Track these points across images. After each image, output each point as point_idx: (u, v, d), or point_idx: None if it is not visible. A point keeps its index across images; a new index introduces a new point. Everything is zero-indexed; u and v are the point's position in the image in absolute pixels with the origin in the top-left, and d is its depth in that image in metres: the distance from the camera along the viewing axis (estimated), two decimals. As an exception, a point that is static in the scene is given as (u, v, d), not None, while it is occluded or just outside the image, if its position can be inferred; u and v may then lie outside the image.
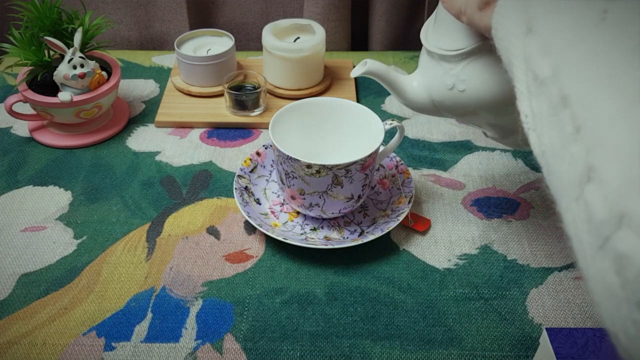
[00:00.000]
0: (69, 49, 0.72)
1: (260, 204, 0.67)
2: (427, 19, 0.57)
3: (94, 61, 0.75)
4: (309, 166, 0.57)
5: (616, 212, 0.25)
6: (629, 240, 0.24)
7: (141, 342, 0.54)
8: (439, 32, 0.52)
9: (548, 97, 0.33)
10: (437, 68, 0.53)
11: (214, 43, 0.87)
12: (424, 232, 0.65)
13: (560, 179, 0.31)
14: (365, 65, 0.56)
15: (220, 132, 0.80)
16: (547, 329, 0.48)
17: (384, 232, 0.62)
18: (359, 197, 0.62)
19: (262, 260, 0.62)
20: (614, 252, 0.25)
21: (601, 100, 0.28)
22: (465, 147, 0.77)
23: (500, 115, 0.53)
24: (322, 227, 0.65)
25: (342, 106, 0.65)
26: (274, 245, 0.64)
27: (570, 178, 0.30)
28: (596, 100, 0.29)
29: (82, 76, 0.72)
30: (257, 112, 0.81)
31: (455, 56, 0.51)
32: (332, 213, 0.63)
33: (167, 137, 0.79)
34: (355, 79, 0.90)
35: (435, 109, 0.56)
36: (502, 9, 0.41)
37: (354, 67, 0.93)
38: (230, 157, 0.76)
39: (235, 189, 0.66)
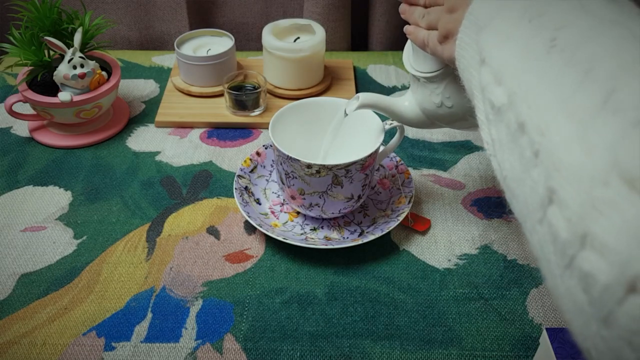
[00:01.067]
0: (69, 49, 0.72)
1: (260, 204, 0.67)
2: None
3: (94, 61, 0.75)
4: (309, 166, 0.57)
5: (579, 232, 0.26)
6: (593, 260, 0.25)
7: (141, 342, 0.54)
8: (418, 57, 0.56)
9: (506, 124, 0.33)
10: (424, 89, 0.56)
11: (214, 43, 0.87)
12: (424, 232, 0.65)
13: (524, 202, 0.32)
14: (358, 99, 0.59)
15: (220, 132, 0.80)
16: (547, 329, 0.48)
17: (384, 232, 0.62)
18: (359, 197, 0.62)
19: (262, 260, 0.62)
20: (579, 271, 0.26)
21: (556, 125, 0.29)
22: (465, 147, 0.77)
23: None
24: (322, 227, 0.65)
25: (342, 106, 0.65)
26: (274, 245, 0.64)
27: (532, 201, 0.30)
28: (551, 125, 0.29)
29: (82, 76, 0.72)
30: (257, 112, 0.81)
31: (435, 77, 0.54)
32: (332, 213, 0.63)
33: (167, 137, 0.79)
34: (355, 78, 0.90)
35: (430, 122, 0.59)
36: (461, 42, 0.42)
37: (354, 67, 0.93)
38: (230, 157, 0.76)
39: (235, 189, 0.66)
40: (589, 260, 0.25)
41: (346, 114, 0.60)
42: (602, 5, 0.33)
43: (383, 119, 0.63)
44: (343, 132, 0.65)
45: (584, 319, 0.26)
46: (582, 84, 0.28)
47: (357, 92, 0.87)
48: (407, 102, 0.59)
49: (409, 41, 0.58)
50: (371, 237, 0.61)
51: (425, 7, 0.52)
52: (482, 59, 0.37)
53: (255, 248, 0.64)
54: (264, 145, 0.72)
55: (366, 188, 0.63)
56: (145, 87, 0.89)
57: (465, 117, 0.55)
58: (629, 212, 0.24)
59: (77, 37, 0.73)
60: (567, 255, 0.27)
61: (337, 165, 0.57)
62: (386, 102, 0.59)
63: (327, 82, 0.87)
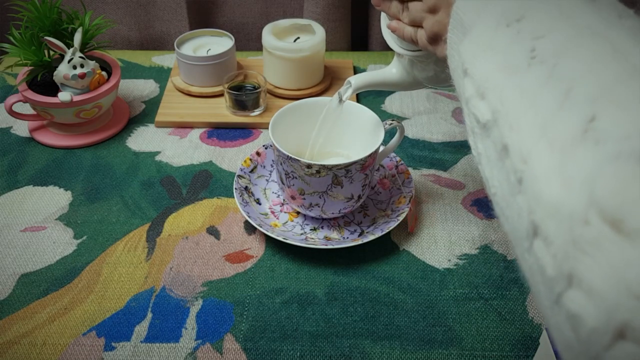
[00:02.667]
0: (69, 49, 0.72)
1: (260, 204, 0.67)
2: None
3: (94, 61, 0.75)
4: (309, 166, 0.57)
5: (564, 271, 0.25)
6: (579, 301, 0.24)
7: (141, 342, 0.54)
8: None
9: (492, 141, 0.33)
10: (414, 64, 0.55)
11: (214, 43, 0.87)
12: (414, 232, 0.65)
13: (512, 226, 0.31)
14: (350, 84, 0.58)
15: (220, 132, 0.80)
16: (547, 329, 0.48)
17: (384, 232, 0.62)
18: (359, 197, 0.62)
19: (262, 260, 0.62)
20: (566, 310, 0.25)
21: (537, 153, 0.28)
22: (465, 147, 0.77)
23: None
24: (322, 227, 0.65)
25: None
26: (274, 245, 0.64)
27: (520, 227, 0.30)
28: (532, 153, 0.28)
29: (82, 76, 0.72)
30: (257, 112, 0.81)
31: (424, 55, 0.53)
32: (332, 213, 0.63)
33: (167, 137, 0.79)
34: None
35: (421, 84, 0.58)
36: (448, 48, 0.41)
37: (354, 67, 0.93)
38: (230, 157, 0.76)
39: (235, 189, 0.66)
40: (576, 301, 0.24)
41: (343, 101, 0.59)
42: (580, 9, 0.32)
43: (383, 118, 0.63)
44: (343, 131, 0.65)
45: (573, 354, 0.25)
46: (562, 106, 0.28)
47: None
48: (394, 70, 0.58)
49: (383, 15, 0.57)
50: (371, 237, 0.61)
51: (401, 1, 0.51)
52: (464, 70, 0.37)
53: (255, 248, 0.64)
54: (264, 145, 0.72)
55: (366, 188, 0.63)
56: (145, 87, 0.89)
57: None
58: (615, 256, 0.23)
59: (77, 37, 0.73)
60: (555, 292, 0.26)
61: (337, 165, 0.57)
62: (377, 78, 0.58)
63: (327, 82, 0.87)
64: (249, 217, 0.62)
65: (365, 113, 0.64)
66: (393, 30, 0.53)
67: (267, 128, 0.61)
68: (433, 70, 0.54)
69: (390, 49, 0.57)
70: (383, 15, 0.57)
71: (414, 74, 0.56)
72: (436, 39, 0.47)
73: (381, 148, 0.65)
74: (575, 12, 0.32)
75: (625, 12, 0.31)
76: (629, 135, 0.24)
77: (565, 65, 0.29)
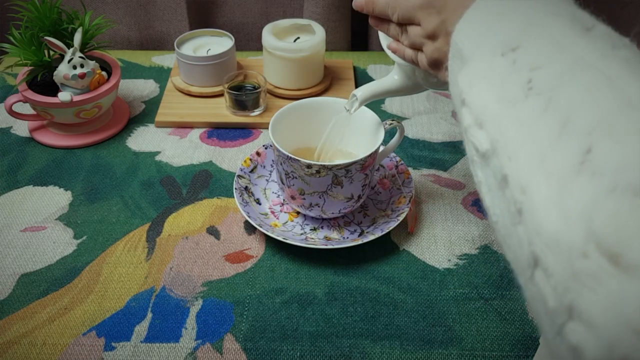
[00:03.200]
0: (69, 49, 0.72)
1: (260, 204, 0.67)
2: None
3: (94, 61, 0.75)
4: (309, 166, 0.57)
5: (565, 303, 0.25)
6: (581, 334, 0.24)
7: (141, 342, 0.54)
8: None
9: (492, 170, 0.33)
10: (413, 72, 0.56)
11: (214, 43, 0.87)
12: (414, 232, 0.65)
13: (514, 254, 0.31)
14: (356, 97, 0.58)
15: (220, 132, 0.80)
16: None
17: (384, 232, 0.62)
18: (359, 197, 0.62)
19: (262, 260, 0.62)
20: (568, 341, 0.25)
21: (536, 184, 0.28)
22: (465, 147, 0.77)
23: None
24: (322, 227, 0.65)
25: (342, 106, 0.65)
26: (274, 245, 0.64)
27: (521, 257, 0.30)
28: (531, 184, 0.29)
29: (82, 76, 0.72)
30: (257, 112, 0.81)
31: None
32: (332, 213, 0.63)
33: (167, 137, 0.79)
34: (355, 77, 0.90)
35: (422, 87, 0.58)
36: (449, 75, 0.41)
37: (354, 67, 0.93)
38: (230, 157, 0.76)
39: (235, 189, 0.66)
40: (577, 333, 0.24)
41: (351, 113, 0.60)
42: (574, 40, 0.32)
43: (383, 118, 0.63)
44: (343, 132, 0.65)
45: None
46: (559, 137, 0.28)
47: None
48: (396, 76, 0.58)
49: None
50: (371, 237, 0.61)
51: (399, 24, 0.51)
52: (462, 100, 0.37)
53: (255, 248, 0.64)
54: (264, 145, 0.72)
55: (366, 188, 0.63)
56: (145, 87, 0.89)
57: None
58: (614, 290, 0.23)
59: (77, 37, 0.73)
60: (556, 323, 0.26)
61: (337, 165, 0.57)
62: (381, 88, 0.59)
63: (327, 82, 0.87)
64: (249, 217, 0.62)
65: (365, 113, 0.64)
66: (393, 51, 0.53)
67: (267, 128, 0.61)
68: (437, 78, 0.54)
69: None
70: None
71: (417, 79, 0.57)
72: (437, 65, 0.47)
73: (381, 148, 0.65)
74: (570, 43, 0.32)
75: (619, 42, 0.32)
76: (624, 168, 0.25)
77: (561, 97, 0.29)
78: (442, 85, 0.56)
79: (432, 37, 0.46)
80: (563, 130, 0.28)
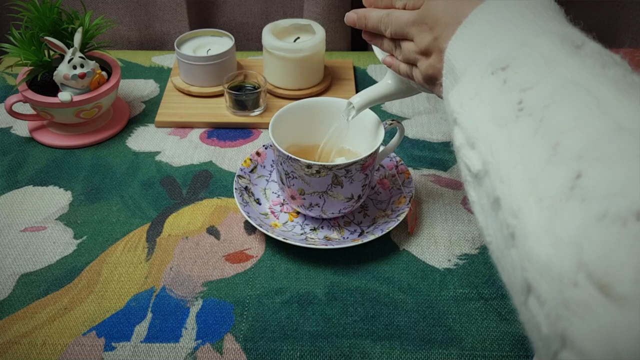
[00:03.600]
0: (69, 49, 0.72)
1: (260, 204, 0.67)
2: None
3: (94, 61, 0.75)
4: (309, 166, 0.57)
5: (558, 331, 0.25)
6: None
7: (141, 342, 0.54)
8: None
9: (485, 191, 0.33)
10: (405, 80, 0.55)
11: (214, 43, 0.87)
12: (414, 232, 0.65)
13: (508, 277, 0.31)
14: (352, 106, 0.59)
15: (220, 132, 0.80)
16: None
17: (384, 232, 0.62)
18: (359, 197, 0.62)
19: (262, 260, 0.62)
20: None
21: (527, 209, 0.28)
22: (465, 147, 0.77)
23: None
24: (322, 227, 0.65)
25: (342, 106, 0.65)
26: (274, 245, 0.64)
27: (515, 282, 0.30)
28: (523, 209, 0.29)
29: (82, 76, 0.72)
30: (257, 112, 0.81)
31: None
32: (332, 213, 0.63)
33: (167, 137, 0.79)
34: (355, 78, 0.90)
35: (417, 89, 0.58)
36: (444, 92, 0.41)
37: (354, 67, 0.93)
38: (230, 157, 0.76)
39: (235, 189, 0.66)
40: None
41: (348, 121, 0.60)
42: (564, 59, 0.32)
43: (383, 118, 0.63)
44: (342, 138, 0.65)
45: None
46: (550, 161, 0.28)
47: (357, 92, 0.87)
48: (390, 80, 0.58)
49: None
50: (371, 237, 0.61)
51: (392, 38, 0.51)
52: (454, 119, 0.37)
53: (255, 248, 0.64)
54: (264, 145, 0.72)
55: (366, 188, 0.63)
56: (145, 87, 0.89)
57: None
58: (604, 320, 0.23)
59: (77, 37, 0.73)
60: (551, 350, 0.26)
61: (337, 165, 0.57)
62: (376, 94, 0.59)
63: (327, 82, 0.87)
64: (249, 217, 0.62)
65: (365, 113, 0.64)
66: (388, 65, 0.53)
67: (267, 128, 0.61)
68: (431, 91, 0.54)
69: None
70: None
71: (410, 82, 0.56)
72: (432, 80, 0.47)
73: (381, 148, 0.65)
74: (560, 62, 0.32)
75: (609, 60, 0.32)
76: (614, 194, 0.25)
77: (552, 119, 0.29)
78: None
79: (425, 53, 0.46)
80: (554, 154, 0.28)
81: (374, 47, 0.57)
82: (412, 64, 0.50)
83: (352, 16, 0.54)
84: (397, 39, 0.50)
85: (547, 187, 0.28)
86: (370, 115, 0.63)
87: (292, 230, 0.64)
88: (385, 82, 0.59)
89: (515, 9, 0.38)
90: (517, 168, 0.30)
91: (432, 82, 0.47)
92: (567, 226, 0.26)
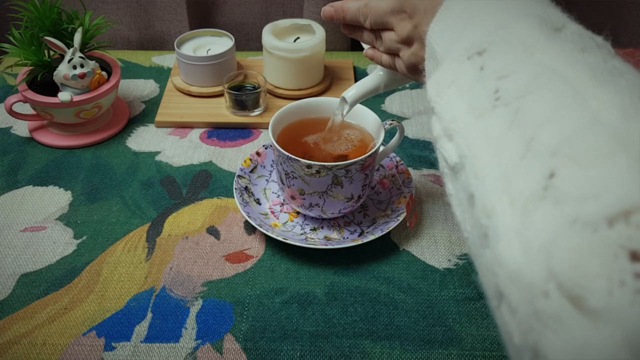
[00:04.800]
0: (69, 49, 0.72)
1: (260, 204, 0.67)
2: None
3: (94, 61, 0.75)
4: (309, 166, 0.57)
5: (530, 343, 0.24)
6: None
7: (141, 342, 0.54)
8: None
9: (461, 186, 0.32)
10: (395, 73, 0.55)
11: (214, 43, 0.87)
12: (414, 232, 0.65)
13: (483, 278, 0.30)
14: (346, 101, 0.58)
15: (220, 132, 0.80)
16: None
17: (384, 232, 0.62)
18: (359, 197, 0.62)
19: (262, 260, 0.62)
20: None
21: (500, 209, 0.27)
22: (465, 147, 0.77)
23: None
24: (322, 227, 0.65)
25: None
26: (274, 245, 0.64)
27: (488, 284, 0.28)
28: (496, 209, 0.27)
29: (82, 76, 0.72)
30: (257, 112, 0.81)
31: None
32: (332, 213, 0.63)
33: (167, 137, 0.79)
34: (355, 78, 0.90)
35: (408, 79, 0.57)
36: (426, 78, 0.41)
37: (354, 67, 0.93)
38: (230, 157, 0.76)
39: (235, 189, 0.66)
40: None
41: (343, 117, 0.60)
42: (542, 43, 0.31)
43: (383, 118, 0.63)
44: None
45: None
46: (524, 157, 0.27)
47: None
48: (381, 72, 0.58)
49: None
50: (371, 237, 0.61)
51: (372, 30, 0.50)
52: (431, 108, 0.36)
53: (255, 248, 0.64)
54: (264, 145, 0.72)
55: (366, 188, 0.63)
56: (145, 87, 0.89)
57: None
58: (576, 334, 0.22)
59: (77, 37, 0.73)
60: None
61: (337, 165, 0.57)
62: (369, 86, 0.58)
63: (327, 82, 0.87)
64: (249, 217, 0.62)
65: (365, 113, 0.64)
66: (370, 58, 0.52)
67: (267, 128, 0.61)
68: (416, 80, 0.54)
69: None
70: None
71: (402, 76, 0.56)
72: (415, 69, 0.46)
73: (381, 148, 0.65)
74: (538, 47, 0.31)
75: (590, 44, 0.30)
76: (586, 197, 0.23)
77: (527, 110, 0.29)
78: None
79: (407, 42, 0.46)
80: (528, 149, 0.27)
81: (362, 43, 0.57)
82: (394, 54, 0.49)
83: (329, 10, 0.53)
84: (377, 30, 0.49)
85: (521, 186, 0.26)
86: (370, 116, 0.63)
87: (292, 230, 0.64)
88: (376, 73, 0.58)
89: None
90: (491, 163, 0.29)
91: (415, 71, 0.46)
92: (538, 231, 0.24)
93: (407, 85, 0.88)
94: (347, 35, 0.53)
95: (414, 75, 0.47)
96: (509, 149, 0.28)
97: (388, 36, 0.48)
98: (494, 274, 0.27)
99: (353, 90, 0.59)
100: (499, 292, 0.27)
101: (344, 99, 0.59)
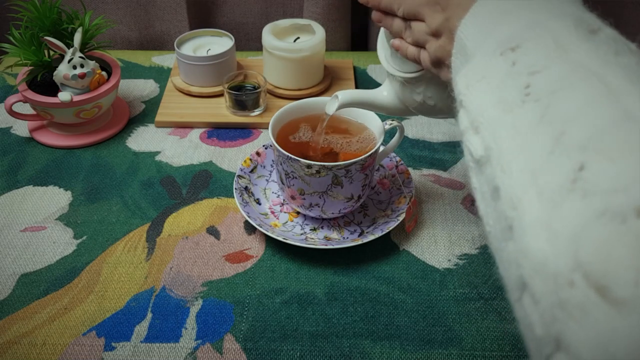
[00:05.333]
0: (69, 49, 0.72)
1: (260, 204, 0.67)
2: None
3: (94, 61, 0.75)
4: (309, 166, 0.57)
5: (552, 333, 0.24)
6: None
7: (141, 342, 0.54)
8: (396, 56, 0.54)
9: (486, 179, 0.32)
10: (404, 88, 0.55)
11: (214, 43, 0.87)
12: (413, 232, 0.65)
13: (505, 271, 0.30)
14: (337, 99, 0.57)
15: (220, 132, 0.80)
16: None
17: (384, 232, 0.62)
18: (359, 197, 0.62)
19: (262, 260, 0.62)
20: None
21: (527, 201, 0.27)
22: (465, 147, 0.77)
23: None
24: (322, 227, 0.65)
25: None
26: (274, 245, 0.64)
27: (510, 277, 0.28)
28: (523, 201, 0.27)
29: (82, 76, 0.72)
30: (257, 112, 0.81)
31: (415, 78, 0.52)
32: (332, 213, 0.63)
33: (167, 137, 0.79)
34: (355, 78, 0.90)
35: (409, 111, 0.57)
36: (453, 73, 0.40)
37: (354, 67, 0.93)
38: (230, 157, 0.76)
39: (235, 189, 0.66)
40: None
41: (328, 115, 0.59)
42: (576, 43, 0.31)
43: (383, 118, 0.63)
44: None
45: None
46: (553, 151, 0.27)
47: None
48: (385, 92, 0.57)
49: (381, 33, 0.56)
50: (371, 237, 0.61)
51: (405, 19, 0.50)
52: (460, 101, 0.36)
53: (255, 248, 0.64)
54: (264, 145, 0.72)
55: (366, 188, 0.63)
56: (145, 87, 0.89)
57: (448, 111, 0.53)
58: (601, 324, 0.22)
59: (77, 37, 0.73)
60: (543, 353, 0.25)
61: (337, 165, 0.57)
62: (365, 97, 0.58)
63: (327, 82, 0.87)
64: (249, 217, 0.62)
65: (365, 113, 0.64)
66: (396, 49, 0.52)
67: (267, 128, 0.61)
68: (422, 96, 0.53)
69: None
70: (381, 33, 0.57)
71: (404, 102, 0.56)
72: (439, 63, 0.46)
73: (381, 148, 0.65)
74: (572, 46, 0.31)
75: (624, 48, 0.30)
76: (614, 189, 0.24)
77: (558, 106, 0.29)
78: (424, 111, 0.56)
79: (435, 34, 0.46)
80: (557, 144, 0.27)
81: (378, 46, 0.57)
82: (421, 46, 0.49)
83: None
84: (408, 20, 0.49)
85: (549, 179, 0.27)
86: (370, 115, 0.63)
87: (292, 230, 0.64)
88: (380, 91, 0.58)
89: None
90: (519, 157, 0.29)
91: (439, 65, 0.47)
92: (566, 222, 0.25)
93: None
94: (376, 23, 0.53)
95: (437, 69, 0.47)
96: (538, 143, 0.28)
97: (418, 27, 0.48)
98: (519, 265, 0.27)
99: (349, 93, 0.58)
100: (522, 283, 0.27)
101: (336, 96, 0.58)
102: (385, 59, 0.56)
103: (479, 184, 0.34)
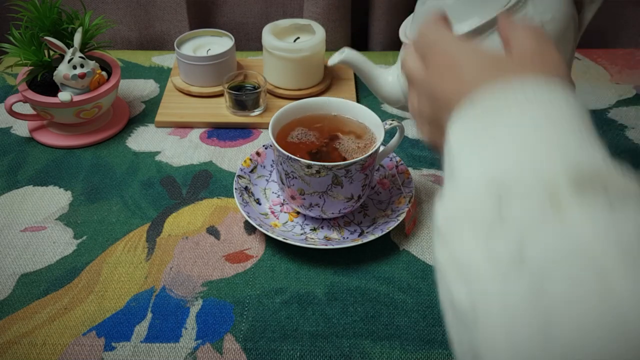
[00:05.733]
0: (69, 49, 0.72)
1: (260, 204, 0.67)
2: None
3: (94, 61, 0.75)
4: (309, 166, 0.57)
5: None
6: None
7: (141, 342, 0.54)
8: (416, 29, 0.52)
9: (468, 337, 0.31)
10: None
11: (214, 43, 0.87)
12: (413, 233, 0.65)
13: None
14: (342, 53, 0.56)
15: (220, 132, 0.80)
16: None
17: (384, 232, 0.62)
18: (359, 197, 0.62)
19: (262, 260, 0.62)
20: None
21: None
22: (465, 147, 0.77)
23: None
24: (322, 227, 0.65)
25: (342, 106, 0.65)
26: (274, 245, 0.64)
27: None
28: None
29: (82, 76, 0.72)
30: (257, 112, 0.81)
31: None
32: (332, 213, 0.63)
33: (167, 137, 0.79)
34: (355, 77, 0.90)
35: (404, 106, 0.56)
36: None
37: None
38: (230, 157, 0.76)
39: (235, 189, 0.66)
40: None
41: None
42: (569, 200, 0.28)
43: (383, 118, 0.63)
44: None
45: None
46: (541, 349, 0.26)
47: (357, 92, 0.87)
48: (390, 77, 0.56)
49: (412, 14, 0.55)
50: (371, 237, 0.61)
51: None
52: (437, 229, 0.33)
53: (255, 248, 0.64)
54: (264, 145, 0.72)
55: (366, 188, 0.63)
56: (145, 87, 0.89)
57: None
58: None
59: (77, 37, 0.73)
60: None
61: (337, 165, 0.57)
62: (369, 68, 0.56)
63: (327, 82, 0.87)
64: (249, 217, 0.62)
65: (365, 113, 0.64)
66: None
67: (267, 128, 0.61)
68: None
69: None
70: (408, 20, 0.54)
71: (405, 91, 0.55)
72: (434, 144, 0.43)
73: (381, 148, 0.65)
74: (564, 203, 0.28)
75: (633, 205, 0.27)
76: None
77: (549, 286, 0.26)
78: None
79: (430, 122, 0.43)
80: (545, 340, 0.26)
81: (401, 29, 0.54)
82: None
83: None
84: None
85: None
86: (370, 115, 0.63)
87: (292, 230, 0.64)
88: (386, 73, 0.56)
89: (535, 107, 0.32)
90: (506, 339, 0.27)
91: (435, 146, 0.43)
92: None
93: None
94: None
95: (433, 147, 0.44)
96: (526, 335, 0.27)
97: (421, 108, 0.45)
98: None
99: (357, 53, 0.56)
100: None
101: (343, 50, 0.57)
102: (404, 30, 0.52)
103: (458, 337, 0.32)
